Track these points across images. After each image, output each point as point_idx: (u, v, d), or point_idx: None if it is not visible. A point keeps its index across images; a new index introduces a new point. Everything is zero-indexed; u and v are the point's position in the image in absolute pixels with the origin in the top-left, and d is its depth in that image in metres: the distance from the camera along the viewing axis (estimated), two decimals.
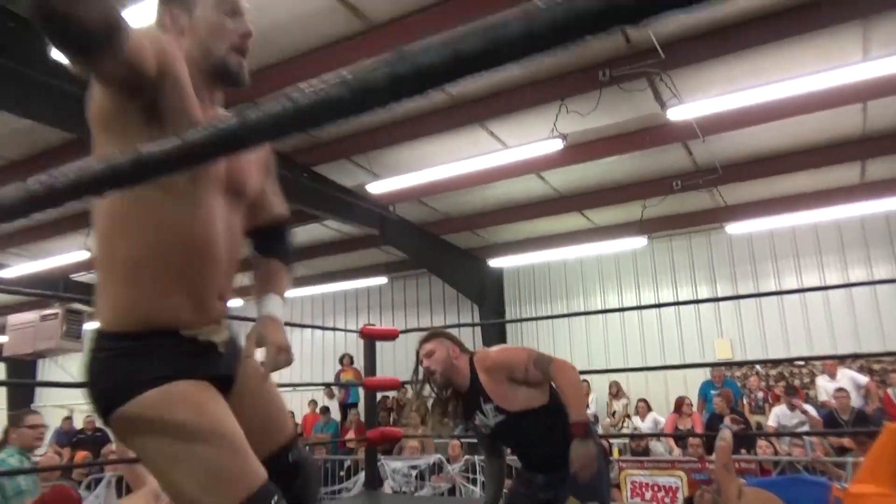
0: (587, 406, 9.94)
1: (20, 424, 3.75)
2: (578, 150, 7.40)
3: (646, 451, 7.69)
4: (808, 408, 7.85)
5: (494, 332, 11.50)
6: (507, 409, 2.69)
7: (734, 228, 9.32)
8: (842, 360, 8.69)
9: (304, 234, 10.54)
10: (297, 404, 13.06)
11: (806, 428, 7.20)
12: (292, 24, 5.46)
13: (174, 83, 1.28)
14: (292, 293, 13.04)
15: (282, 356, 1.48)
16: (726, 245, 10.10)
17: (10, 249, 10.74)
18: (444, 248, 10.87)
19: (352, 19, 5.44)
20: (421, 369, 2.84)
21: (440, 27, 5.35)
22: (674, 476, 5.72)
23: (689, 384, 9.58)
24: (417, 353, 2.87)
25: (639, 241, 9.78)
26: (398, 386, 5.02)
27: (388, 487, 6.97)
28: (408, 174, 7.61)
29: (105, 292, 1.34)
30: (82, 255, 10.10)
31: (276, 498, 1.28)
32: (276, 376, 1.62)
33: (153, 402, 1.25)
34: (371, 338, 4.93)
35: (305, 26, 5.50)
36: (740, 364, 9.80)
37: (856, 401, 7.75)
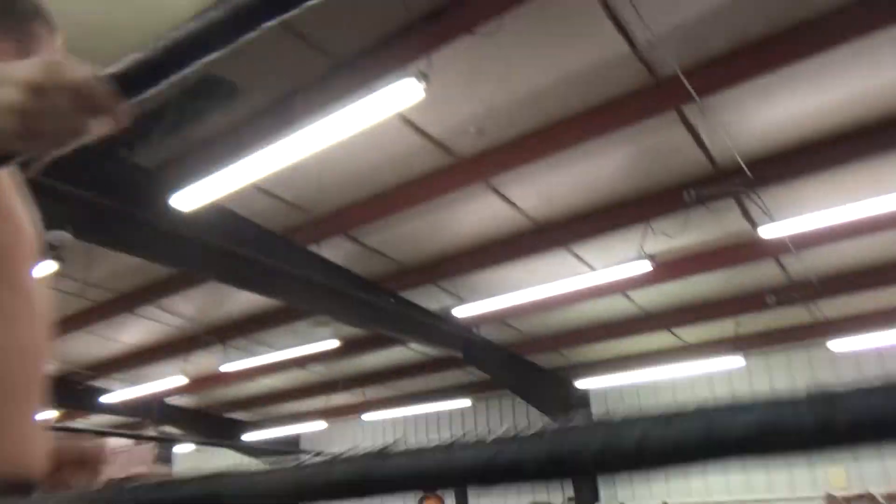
0: None
1: None
2: (666, 269, 7.32)
3: None
4: None
5: None
6: None
7: (836, 345, 8.78)
8: None
9: (388, 356, 10.66)
10: None
11: None
12: (385, 164, 5.84)
13: None
14: (375, 416, 13.00)
15: None
16: (829, 362, 9.48)
17: (113, 374, 11.31)
18: (527, 369, 10.70)
19: (442, 156, 5.77)
20: None
21: (522, 161, 5.61)
22: None
23: None
24: None
25: (734, 360, 9.33)
26: None
27: None
28: (493, 298, 7.68)
29: None
30: (177, 380, 10.52)
31: None
32: None
33: None
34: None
35: (398, 164, 5.87)
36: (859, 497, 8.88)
37: None
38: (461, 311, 7.93)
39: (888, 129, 5.26)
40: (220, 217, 5.93)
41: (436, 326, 8.60)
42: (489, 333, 9.61)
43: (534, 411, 11.28)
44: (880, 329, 8.33)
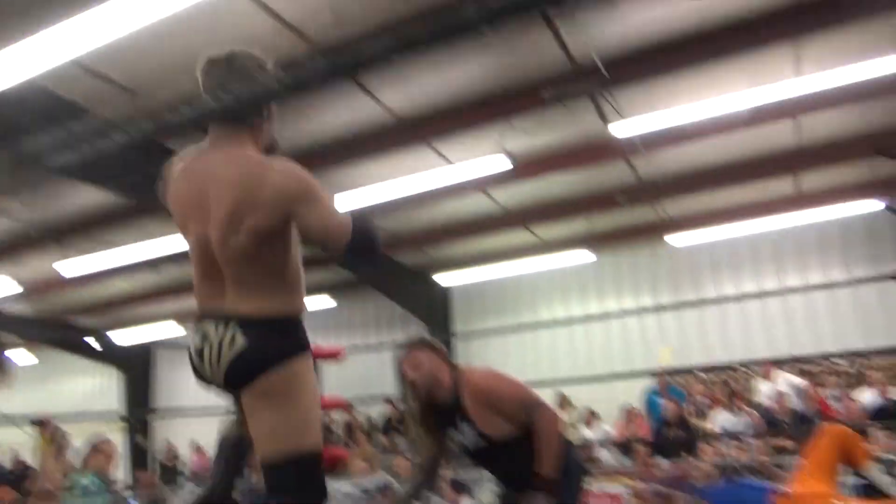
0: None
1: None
2: (525, 168, 7.47)
3: (591, 460, 7.73)
4: (745, 415, 8.10)
5: (444, 344, 11.44)
6: (489, 436, 2.66)
7: (676, 241, 9.58)
8: (779, 364, 9.04)
9: None
10: None
11: (750, 430, 7.41)
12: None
13: None
14: None
15: None
16: (668, 258, 10.36)
17: None
18: (392, 268, 10.78)
19: (298, 42, 5.37)
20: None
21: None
22: (620, 484, 5.78)
23: (635, 392, 9.75)
24: (400, 363, 2.79)
25: (586, 256, 9.94)
26: (346, 407, 4.87)
27: None
28: (353, 191, 7.53)
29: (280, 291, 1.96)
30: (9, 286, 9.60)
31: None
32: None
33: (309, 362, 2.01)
34: (315, 358, 4.79)
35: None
36: (682, 371, 10.03)
37: (793, 404, 8.05)
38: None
39: (737, 31, 5.52)
40: (42, 97, 5.22)
41: None
42: None
43: (398, 309, 11.50)
44: (713, 226, 9.19)
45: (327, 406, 5.12)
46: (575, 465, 2.80)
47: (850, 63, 5.60)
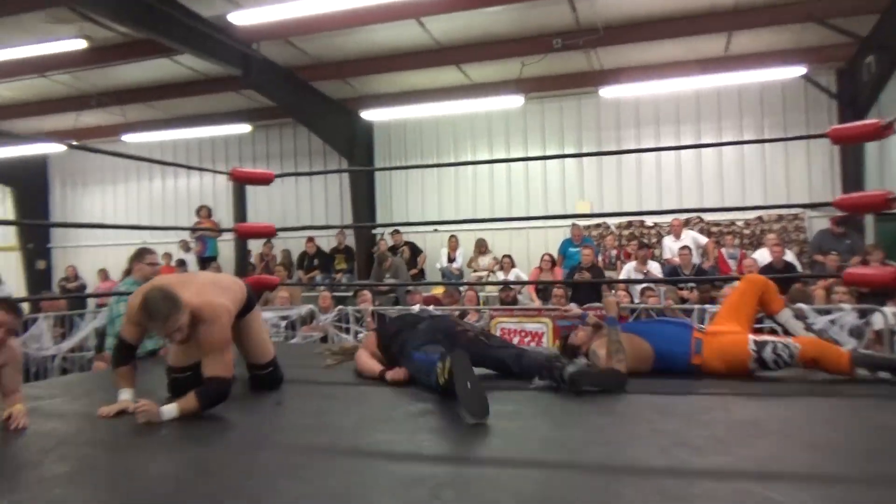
0: (454, 259, 10.26)
1: (141, 260, 4.30)
2: None
3: (514, 302, 8.06)
4: (654, 266, 8.56)
5: (363, 182, 11.22)
6: None
7: (606, 92, 9.45)
8: (686, 222, 9.48)
9: (153, 70, 9.36)
10: None
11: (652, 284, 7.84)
12: None
13: None
14: (139, 138, 11.91)
15: None
16: (595, 108, 10.29)
17: None
18: (313, 97, 10.15)
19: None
20: None
21: None
22: (540, 322, 6.06)
23: (550, 242, 10.05)
24: None
25: (515, 101, 9.68)
26: (273, 233, 4.67)
27: None
28: (275, 5, 6.80)
29: None
30: None
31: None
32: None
33: None
34: (242, 181, 4.51)
35: None
36: (598, 216, 10.37)
37: (696, 258, 8.55)
38: (238, 18, 6.98)
39: None
40: None
41: (210, 36, 7.54)
42: (271, 53, 8.75)
43: (318, 141, 11.03)
44: (644, 80, 9.09)
45: (254, 233, 4.90)
46: None
47: None
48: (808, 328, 4.45)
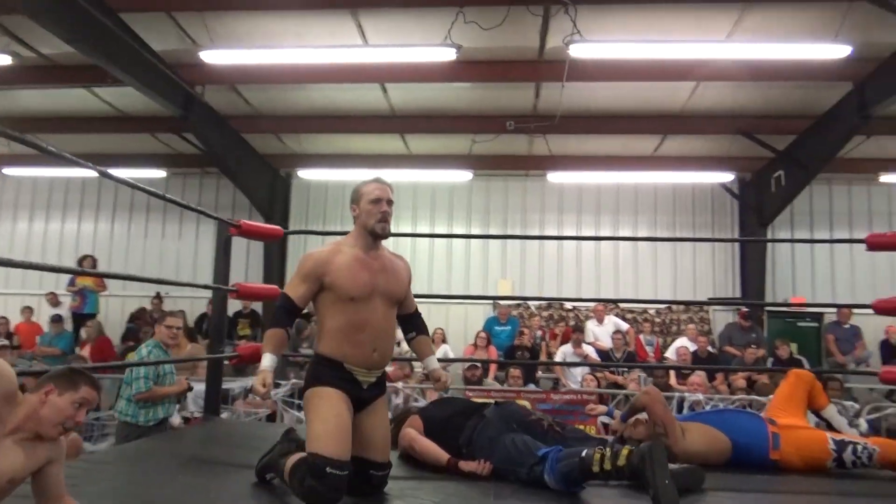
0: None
1: (162, 323, 4.59)
2: (466, 68, 7.03)
3: (480, 382, 7.71)
4: (588, 349, 8.72)
5: (276, 243, 10.54)
6: None
7: (553, 177, 9.81)
8: (607, 307, 9.84)
9: (64, 99, 8.37)
10: (10, 309, 10.61)
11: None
12: None
13: (332, 274, 2.59)
14: (25, 172, 10.48)
15: (442, 384, 2.83)
16: (540, 191, 10.49)
17: None
18: (241, 149, 9.51)
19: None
20: None
21: None
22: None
23: (471, 319, 9.97)
24: None
25: (463, 175, 9.74)
26: (277, 294, 4.09)
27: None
28: (245, 49, 6.41)
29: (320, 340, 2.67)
30: None
31: (332, 470, 2.31)
32: None
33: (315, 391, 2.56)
34: (251, 236, 4.01)
35: None
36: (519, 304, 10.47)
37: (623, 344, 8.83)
38: (199, 57, 6.44)
39: None
40: None
41: (156, 70, 6.85)
42: (213, 98, 8.14)
43: (240, 195, 10.27)
44: (587, 170, 9.58)
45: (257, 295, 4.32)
46: None
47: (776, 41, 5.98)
48: (853, 425, 4.67)
